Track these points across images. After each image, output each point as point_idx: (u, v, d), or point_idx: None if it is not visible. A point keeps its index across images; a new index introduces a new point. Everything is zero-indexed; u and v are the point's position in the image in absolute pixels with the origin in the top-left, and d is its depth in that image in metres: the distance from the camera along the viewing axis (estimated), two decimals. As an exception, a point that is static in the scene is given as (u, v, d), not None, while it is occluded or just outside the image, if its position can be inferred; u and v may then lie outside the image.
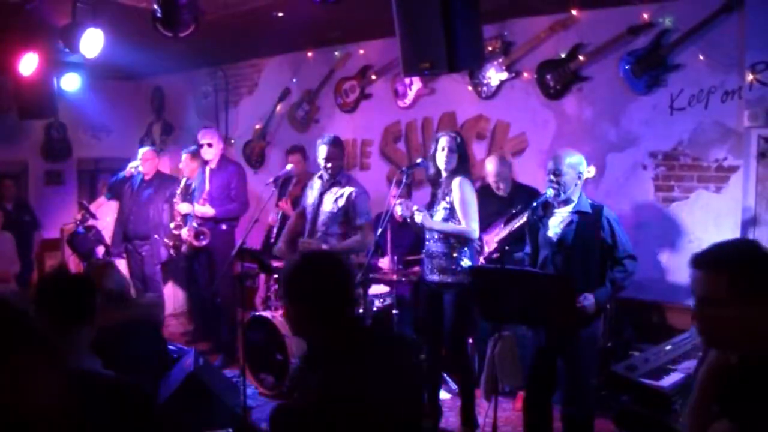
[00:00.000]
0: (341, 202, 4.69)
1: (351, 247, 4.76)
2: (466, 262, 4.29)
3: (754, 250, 1.81)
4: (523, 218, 4.31)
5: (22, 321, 1.62)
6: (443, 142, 4.30)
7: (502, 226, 4.69)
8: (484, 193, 5.14)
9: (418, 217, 4.25)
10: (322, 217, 4.75)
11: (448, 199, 4.29)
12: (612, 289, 3.75)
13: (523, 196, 4.94)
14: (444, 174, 4.33)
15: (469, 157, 4.58)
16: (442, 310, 4.33)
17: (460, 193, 4.26)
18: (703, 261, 1.79)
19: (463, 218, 4.26)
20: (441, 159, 4.29)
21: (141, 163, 6.73)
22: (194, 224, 6.09)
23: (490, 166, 5.18)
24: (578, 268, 3.75)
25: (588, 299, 3.63)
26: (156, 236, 6.71)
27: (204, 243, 6.04)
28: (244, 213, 6.28)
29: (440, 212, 4.30)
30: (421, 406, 2.31)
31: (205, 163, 6.24)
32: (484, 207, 4.62)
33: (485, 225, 4.66)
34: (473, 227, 4.27)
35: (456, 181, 4.28)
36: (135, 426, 2.13)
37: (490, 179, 5.17)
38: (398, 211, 4.37)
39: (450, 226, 4.27)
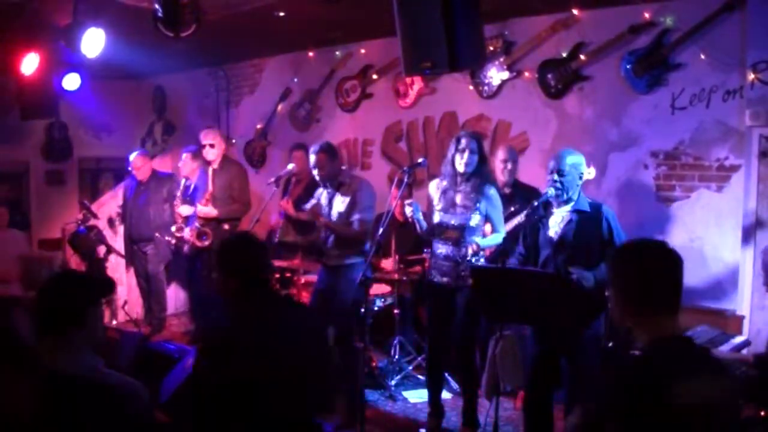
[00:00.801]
0: (348, 200, 4.67)
1: (346, 235, 4.65)
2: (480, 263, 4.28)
3: (634, 246, 1.99)
4: (522, 217, 4.30)
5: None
6: (465, 143, 4.20)
7: None
8: None
9: (478, 240, 4.19)
10: (334, 219, 4.70)
11: (477, 206, 4.23)
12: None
13: (523, 195, 4.93)
14: (463, 176, 4.25)
15: (488, 160, 4.50)
16: (452, 312, 4.30)
17: (497, 203, 4.29)
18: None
19: (498, 227, 4.30)
20: (463, 160, 4.19)
21: (134, 171, 6.71)
22: (197, 224, 6.09)
23: (501, 153, 5.15)
24: (580, 267, 3.74)
25: (582, 273, 3.61)
26: (157, 235, 6.71)
27: (206, 243, 6.05)
28: (246, 213, 6.28)
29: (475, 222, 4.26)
30: (320, 367, 2.73)
31: (208, 163, 6.24)
32: None
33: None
34: (503, 234, 4.31)
35: (491, 190, 4.27)
36: (130, 426, 2.14)
37: (498, 162, 5.13)
38: (417, 229, 4.35)
39: (495, 239, 4.27)
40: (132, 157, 6.80)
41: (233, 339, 2.49)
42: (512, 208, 4.65)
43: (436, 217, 4.33)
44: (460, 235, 4.24)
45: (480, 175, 4.25)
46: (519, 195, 4.98)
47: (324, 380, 2.73)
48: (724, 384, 1.80)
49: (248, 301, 2.57)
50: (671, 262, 1.89)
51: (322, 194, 4.84)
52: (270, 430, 2.49)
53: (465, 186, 4.26)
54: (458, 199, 4.27)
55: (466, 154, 4.19)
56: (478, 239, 4.19)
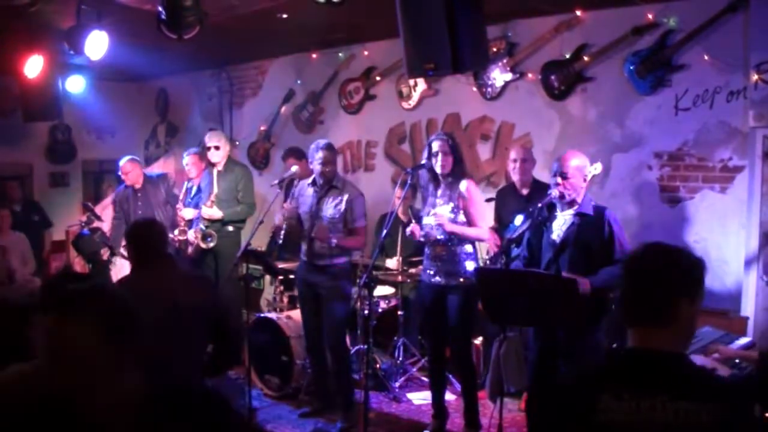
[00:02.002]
0: (342, 206, 4.67)
1: (354, 247, 4.85)
2: (470, 264, 4.29)
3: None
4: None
5: (128, 317, 1.66)
6: (436, 146, 4.28)
7: None
8: (506, 192, 5.15)
9: (441, 223, 4.23)
10: (322, 222, 4.69)
11: (454, 203, 4.28)
12: (605, 277, 3.63)
13: (541, 195, 4.90)
14: (442, 177, 4.32)
15: (464, 158, 4.55)
16: (446, 311, 4.33)
17: (473, 196, 4.32)
18: None
19: (478, 222, 4.31)
20: (438, 164, 4.27)
21: (123, 176, 6.62)
22: (201, 226, 6.08)
23: (511, 153, 5.13)
24: (581, 271, 3.70)
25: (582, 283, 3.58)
26: None
27: (211, 245, 6.04)
28: (251, 215, 6.27)
29: (447, 216, 4.29)
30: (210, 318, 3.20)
31: (212, 165, 6.23)
32: (506, 206, 4.60)
33: (508, 225, 4.64)
34: (486, 229, 4.38)
35: (464, 184, 4.30)
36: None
37: (510, 162, 5.10)
38: (415, 234, 4.36)
39: (473, 231, 4.30)
40: (122, 162, 6.62)
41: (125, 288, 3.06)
42: (530, 209, 4.63)
43: (425, 221, 4.40)
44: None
45: (455, 173, 4.32)
46: (537, 195, 4.92)
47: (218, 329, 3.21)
48: (693, 408, 1.59)
49: (142, 264, 3.21)
50: (659, 271, 1.75)
51: (305, 190, 4.84)
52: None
53: (442, 184, 4.35)
54: (437, 200, 4.35)
55: (440, 157, 4.26)
56: (452, 226, 4.24)
